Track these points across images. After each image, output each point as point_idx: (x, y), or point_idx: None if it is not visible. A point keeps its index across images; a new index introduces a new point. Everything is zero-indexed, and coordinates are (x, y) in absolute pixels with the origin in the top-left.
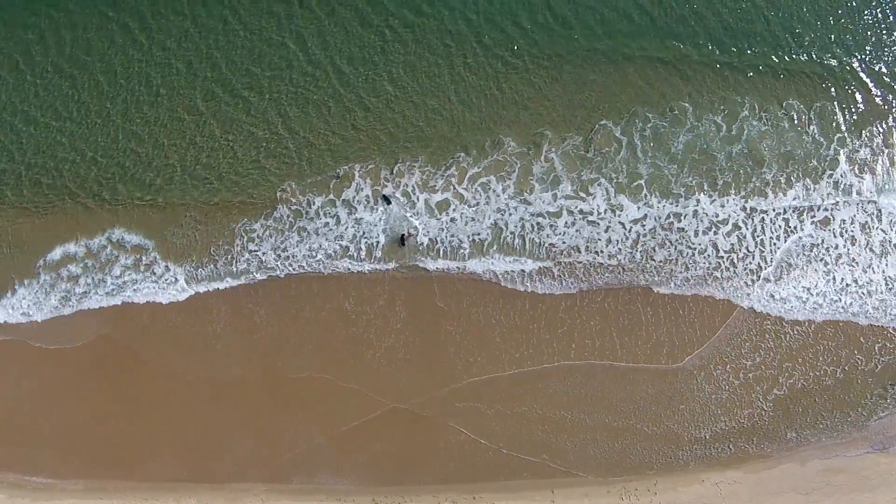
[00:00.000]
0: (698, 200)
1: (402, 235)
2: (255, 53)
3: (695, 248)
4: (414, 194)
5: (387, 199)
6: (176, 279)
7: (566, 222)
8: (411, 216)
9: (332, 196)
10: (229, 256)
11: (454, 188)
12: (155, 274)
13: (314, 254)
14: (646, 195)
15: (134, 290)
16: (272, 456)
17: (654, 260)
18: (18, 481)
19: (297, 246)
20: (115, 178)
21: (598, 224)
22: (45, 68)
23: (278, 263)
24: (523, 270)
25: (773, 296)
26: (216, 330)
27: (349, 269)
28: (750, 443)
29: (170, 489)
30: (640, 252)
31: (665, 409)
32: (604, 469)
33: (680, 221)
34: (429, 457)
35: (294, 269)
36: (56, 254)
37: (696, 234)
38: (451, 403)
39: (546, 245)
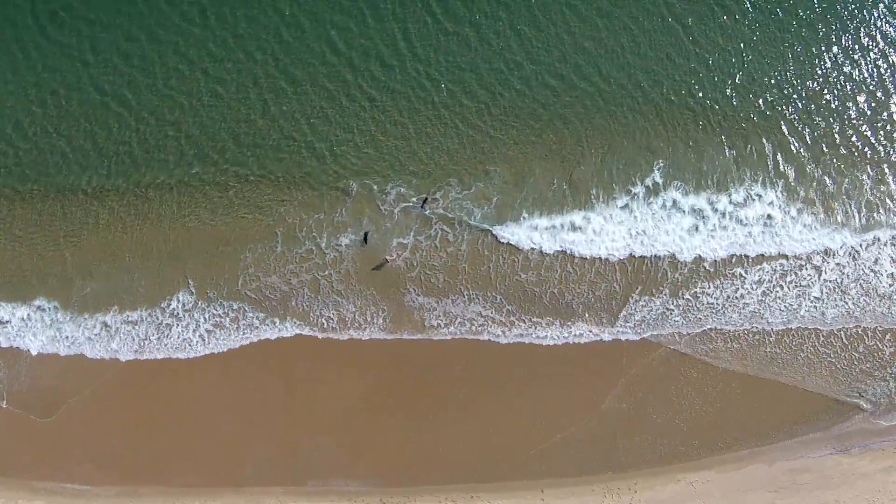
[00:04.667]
0: None
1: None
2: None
3: None
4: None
5: (365, 239)
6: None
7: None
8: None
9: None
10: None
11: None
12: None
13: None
14: None
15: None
16: (289, 462)
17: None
18: (56, 488)
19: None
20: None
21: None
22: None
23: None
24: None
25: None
26: (237, 353)
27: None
28: (726, 441)
29: (196, 493)
30: None
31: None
32: (588, 468)
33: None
34: (430, 462)
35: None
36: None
37: None
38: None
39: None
